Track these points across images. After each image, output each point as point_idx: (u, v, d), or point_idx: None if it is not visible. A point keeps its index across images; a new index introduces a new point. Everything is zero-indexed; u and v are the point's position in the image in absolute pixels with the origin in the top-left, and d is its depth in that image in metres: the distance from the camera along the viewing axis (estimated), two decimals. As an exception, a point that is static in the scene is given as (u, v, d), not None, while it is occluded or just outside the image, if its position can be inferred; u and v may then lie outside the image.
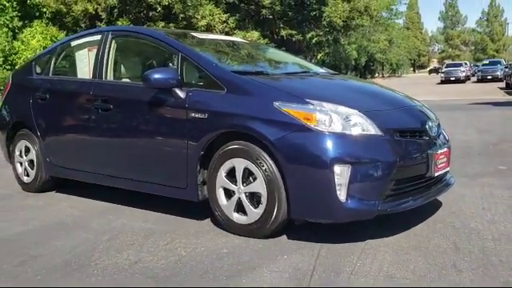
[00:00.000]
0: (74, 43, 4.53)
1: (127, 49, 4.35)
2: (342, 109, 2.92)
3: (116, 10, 15.49)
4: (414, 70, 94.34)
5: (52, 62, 4.62)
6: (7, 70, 13.80)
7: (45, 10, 15.57)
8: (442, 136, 3.45)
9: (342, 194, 2.77)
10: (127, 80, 4.13)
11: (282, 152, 2.86)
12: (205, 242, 3.09)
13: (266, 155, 2.97)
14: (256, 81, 3.26)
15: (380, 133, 2.90)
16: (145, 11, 16.11)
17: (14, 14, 14.34)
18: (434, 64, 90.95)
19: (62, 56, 4.67)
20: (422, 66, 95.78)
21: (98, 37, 4.22)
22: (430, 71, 76.64)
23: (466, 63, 42.00)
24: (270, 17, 18.03)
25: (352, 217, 2.88)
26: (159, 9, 15.30)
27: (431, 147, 3.15)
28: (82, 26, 16.31)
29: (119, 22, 15.19)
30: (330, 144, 2.78)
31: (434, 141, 3.23)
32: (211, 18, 16.38)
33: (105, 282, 2.56)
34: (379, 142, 2.90)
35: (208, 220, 3.56)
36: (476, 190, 4.18)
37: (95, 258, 2.91)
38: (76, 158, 4.25)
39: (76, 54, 4.52)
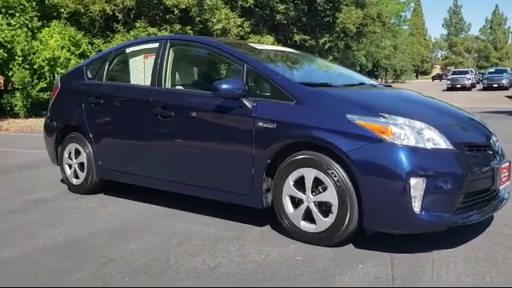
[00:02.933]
0: (128, 50, 4.65)
1: (186, 58, 4.47)
2: (415, 123, 3.03)
3: (133, 12, 15.61)
4: (416, 76, 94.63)
5: (105, 68, 4.73)
6: (26, 69, 13.90)
7: (63, 10, 15.70)
8: (500, 150, 3.57)
9: (416, 206, 2.88)
10: (186, 88, 4.24)
11: (357, 163, 2.97)
12: (275, 249, 3.20)
13: (337, 166, 3.07)
14: (325, 93, 3.38)
15: (451, 147, 3.02)
16: (161, 14, 16.24)
17: (34, 13, 14.45)
18: (437, 70, 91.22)
19: (115, 62, 4.78)
20: (425, 73, 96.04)
21: (156, 45, 4.32)
22: (434, 78, 76.92)
23: (471, 71, 42.22)
24: (285, 22, 18.13)
25: (425, 228, 2.99)
26: (176, 12, 15.42)
27: (495, 161, 3.27)
28: (97, 26, 16.45)
29: (137, 24, 15.31)
30: (406, 157, 2.89)
31: (496, 155, 3.34)
32: (227, 21, 16.49)
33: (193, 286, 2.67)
34: (450, 156, 3.02)
35: (268, 227, 3.67)
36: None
37: (172, 262, 3.02)
38: (130, 161, 4.35)
39: (130, 60, 4.63)
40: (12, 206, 4.47)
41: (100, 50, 15.74)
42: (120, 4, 15.19)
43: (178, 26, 15.90)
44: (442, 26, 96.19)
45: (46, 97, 14.77)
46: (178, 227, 3.74)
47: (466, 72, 39.80)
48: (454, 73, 40.24)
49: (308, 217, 3.25)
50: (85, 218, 4.05)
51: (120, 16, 15.75)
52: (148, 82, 4.30)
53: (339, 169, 3.07)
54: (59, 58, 14.43)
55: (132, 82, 4.61)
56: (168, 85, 4.17)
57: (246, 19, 17.16)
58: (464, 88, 35.61)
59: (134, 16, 15.93)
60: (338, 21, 18.47)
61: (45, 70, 14.39)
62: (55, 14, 15.87)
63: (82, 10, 15.63)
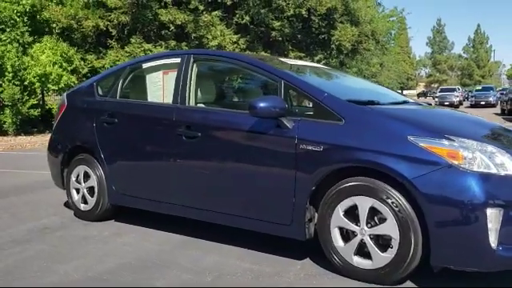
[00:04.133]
0: (145, 65, 4.29)
1: (211, 73, 4.13)
2: (486, 146, 2.73)
3: (128, 28, 15.27)
4: (402, 94, 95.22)
5: (119, 84, 4.37)
6: (16, 85, 13.43)
7: (54, 25, 15.28)
8: None
9: (493, 240, 2.56)
10: (212, 106, 3.90)
11: (423, 192, 2.64)
12: (327, 288, 2.84)
13: (398, 194, 2.75)
14: (379, 112, 3.07)
15: None
16: (155, 30, 15.91)
17: (25, 29, 14.01)
18: (421, 88, 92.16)
19: (130, 78, 4.41)
20: (410, 90, 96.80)
21: (177, 60, 3.98)
22: (419, 95, 77.72)
23: (458, 88, 42.57)
24: (280, 39, 17.94)
25: (503, 265, 2.66)
26: (172, 28, 15.12)
27: None
28: (90, 41, 16.07)
29: (132, 40, 14.95)
30: (480, 185, 2.58)
31: None
32: (222, 38, 16.25)
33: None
34: None
35: (308, 260, 3.32)
36: None
37: (214, 305, 2.65)
38: (149, 186, 3.98)
39: (147, 76, 4.28)
40: (15, 236, 4.05)
41: (93, 67, 15.34)
42: (114, 20, 14.83)
43: (173, 43, 15.58)
44: (426, 44, 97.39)
45: (36, 114, 14.31)
46: (207, 260, 3.36)
47: (454, 89, 40.10)
48: (442, 90, 40.47)
49: (361, 251, 2.91)
50: (100, 250, 3.65)
51: (114, 32, 15.36)
52: (169, 100, 3.96)
53: (400, 198, 2.74)
54: (51, 74, 13.96)
55: (149, 99, 4.26)
56: (192, 103, 3.83)
57: (242, 36, 16.94)
58: (452, 105, 35.72)
59: (127, 32, 15.57)
60: (333, 38, 18.35)
61: (36, 86, 13.92)
62: (47, 29, 15.44)
63: (75, 26, 15.22)
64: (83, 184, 4.50)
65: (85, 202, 4.51)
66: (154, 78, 4.22)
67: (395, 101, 3.70)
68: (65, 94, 4.95)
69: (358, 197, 2.88)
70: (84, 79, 16.64)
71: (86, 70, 15.35)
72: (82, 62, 15.31)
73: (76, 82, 15.28)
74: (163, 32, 15.54)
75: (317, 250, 3.17)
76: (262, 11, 16.86)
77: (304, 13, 17.28)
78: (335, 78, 4.19)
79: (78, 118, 4.60)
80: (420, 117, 3.24)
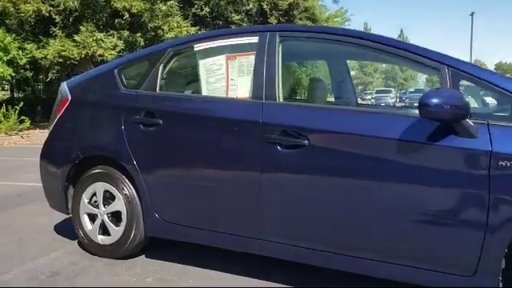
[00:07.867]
0: (198, 47, 3.11)
1: (308, 57, 3.05)
2: None
3: (75, 15, 13.52)
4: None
5: (158, 72, 3.17)
6: None
7: (-14, 8, 13.24)
8: None
9: None
10: (316, 103, 2.85)
11: None
12: None
13: None
14: None
15: None
16: (105, 18, 14.29)
17: (-48, 11, 11.96)
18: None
19: (173, 63, 3.23)
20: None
21: (254, 39, 2.89)
22: (349, 96, 79.56)
23: (393, 90, 43.79)
24: (238, 33, 16.99)
25: None
26: (126, 16, 13.60)
27: None
28: (27, 28, 14.15)
29: (83, 28, 13.22)
30: None
31: None
32: (179, 30, 14.98)
33: None
34: None
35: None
36: None
37: None
38: (220, 215, 2.85)
39: (201, 62, 3.11)
40: (15, 289, 2.77)
41: (33, 57, 13.45)
42: (61, 4, 13.04)
43: (126, 33, 14.07)
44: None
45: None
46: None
47: (389, 91, 41.18)
48: (378, 92, 41.34)
49: None
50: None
51: (58, 18, 13.57)
52: (241, 94, 2.88)
53: None
54: (-17, 64, 12.03)
55: (204, 92, 3.10)
56: (281, 98, 2.76)
57: (200, 29, 15.77)
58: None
59: (73, 19, 13.84)
60: (293, 35, 17.66)
61: (-35, 78, 11.93)
62: (-24, 12, 13.36)
63: (11, 10, 13.26)
64: (103, 208, 3.27)
65: (104, 232, 3.29)
66: (212, 64, 3.07)
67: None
68: (64, 83, 3.64)
69: None
70: (22, 71, 14.68)
71: (24, 60, 13.43)
72: (20, 52, 13.37)
73: (13, 74, 13.36)
74: (116, 21, 13.98)
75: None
76: (222, 3, 15.79)
77: (265, 7, 16.43)
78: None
79: (91, 118, 3.37)
80: None
